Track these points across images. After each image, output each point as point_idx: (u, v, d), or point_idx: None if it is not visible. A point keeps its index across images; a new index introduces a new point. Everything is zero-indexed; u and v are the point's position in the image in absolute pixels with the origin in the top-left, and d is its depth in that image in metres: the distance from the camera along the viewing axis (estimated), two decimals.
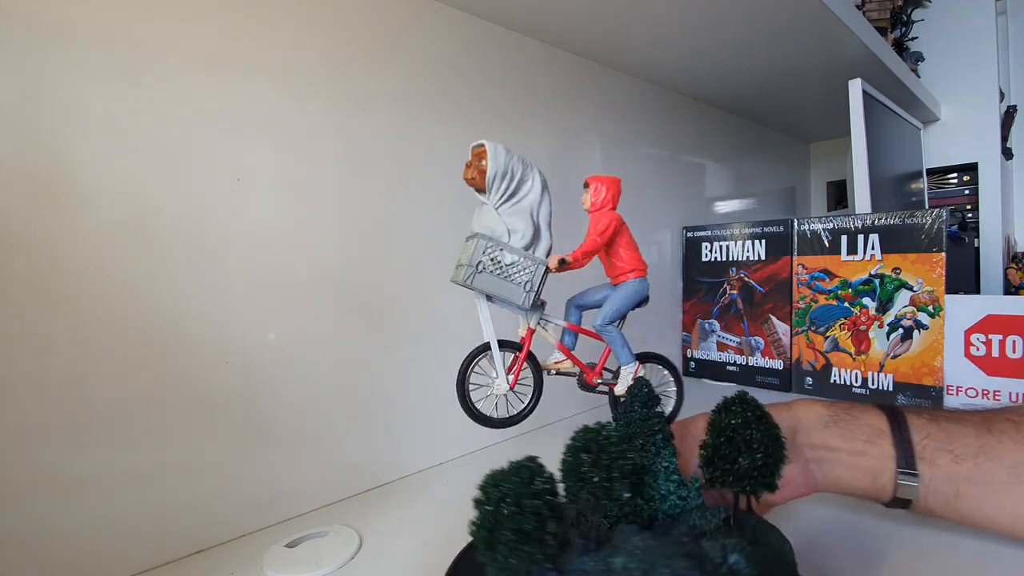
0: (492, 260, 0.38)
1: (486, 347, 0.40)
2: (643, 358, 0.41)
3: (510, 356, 0.41)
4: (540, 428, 0.74)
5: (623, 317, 0.41)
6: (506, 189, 0.38)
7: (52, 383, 0.39)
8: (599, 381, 0.41)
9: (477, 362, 0.41)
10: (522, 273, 0.38)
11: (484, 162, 0.38)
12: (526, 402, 0.40)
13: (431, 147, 0.64)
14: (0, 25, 0.37)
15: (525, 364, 0.41)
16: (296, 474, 0.52)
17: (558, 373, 0.42)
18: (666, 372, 0.42)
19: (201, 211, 0.46)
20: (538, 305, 0.41)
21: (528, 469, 0.27)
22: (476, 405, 0.41)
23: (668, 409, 0.41)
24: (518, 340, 0.42)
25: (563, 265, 0.40)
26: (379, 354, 0.59)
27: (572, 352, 0.43)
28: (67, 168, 0.40)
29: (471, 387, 0.40)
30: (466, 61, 0.68)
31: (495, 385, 0.40)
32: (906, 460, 0.40)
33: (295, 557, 0.44)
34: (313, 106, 0.54)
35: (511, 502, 0.25)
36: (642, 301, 0.41)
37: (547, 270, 0.39)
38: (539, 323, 0.41)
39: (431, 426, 0.63)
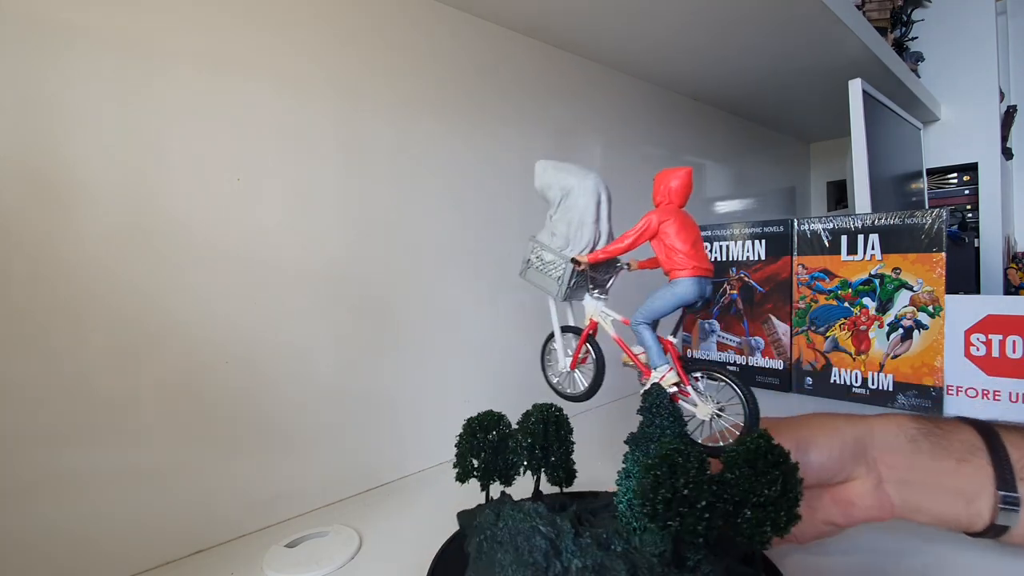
0: (538, 258, 0.45)
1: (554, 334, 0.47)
2: (696, 367, 0.38)
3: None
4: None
5: (663, 316, 0.39)
6: (554, 199, 0.44)
7: (52, 383, 0.39)
8: (645, 381, 0.40)
9: (549, 345, 0.47)
10: (557, 269, 0.44)
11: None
12: (588, 382, 0.45)
13: (432, 147, 0.64)
14: (1, 25, 0.37)
15: (590, 350, 0.45)
16: (296, 474, 0.52)
17: (626, 366, 0.45)
18: (728, 386, 0.37)
19: (201, 211, 0.46)
20: (568, 298, 0.44)
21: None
22: (552, 380, 0.47)
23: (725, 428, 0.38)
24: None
25: (579, 264, 0.42)
26: (379, 354, 0.59)
27: (628, 347, 0.43)
28: (67, 168, 0.40)
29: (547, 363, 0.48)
30: (466, 61, 0.68)
31: (559, 365, 0.46)
32: (1005, 480, 0.35)
33: (295, 557, 0.44)
34: (313, 106, 0.54)
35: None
36: (689, 303, 0.37)
37: (575, 267, 0.43)
38: (600, 315, 0.44)
39: (431, 426, 0.63)
